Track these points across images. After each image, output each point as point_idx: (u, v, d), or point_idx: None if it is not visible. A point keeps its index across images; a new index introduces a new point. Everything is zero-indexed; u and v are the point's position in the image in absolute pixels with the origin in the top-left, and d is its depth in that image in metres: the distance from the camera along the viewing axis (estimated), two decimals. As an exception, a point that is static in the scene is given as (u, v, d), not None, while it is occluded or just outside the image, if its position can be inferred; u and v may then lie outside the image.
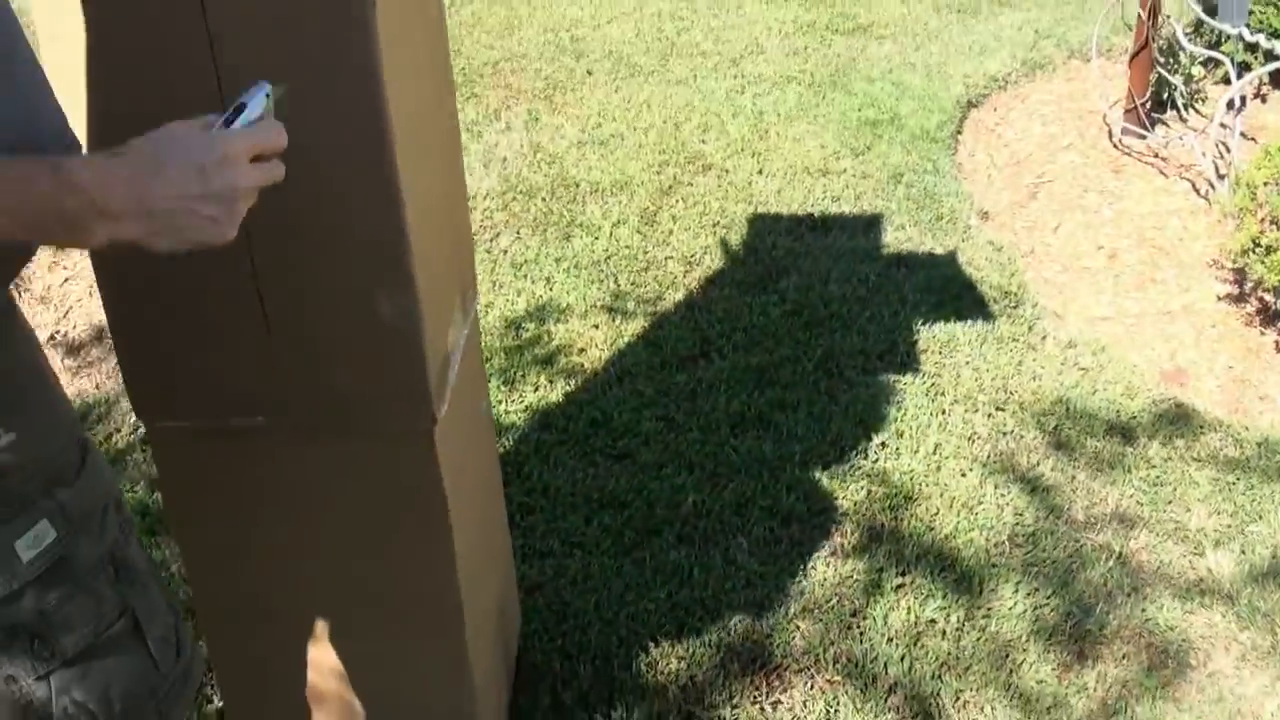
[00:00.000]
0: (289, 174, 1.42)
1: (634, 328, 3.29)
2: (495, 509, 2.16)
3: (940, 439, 2.75)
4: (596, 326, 3.30)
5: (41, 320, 3.47)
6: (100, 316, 3.25)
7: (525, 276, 3.59)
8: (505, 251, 3.75)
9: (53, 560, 1.15)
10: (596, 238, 3.80)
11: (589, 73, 5.30)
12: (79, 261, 3.66)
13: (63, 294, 3.64)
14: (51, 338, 3.39)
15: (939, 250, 3.57)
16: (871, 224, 3.77)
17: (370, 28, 1.36)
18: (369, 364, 1.55)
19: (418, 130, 1.56)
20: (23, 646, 1.15)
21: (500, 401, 2.97)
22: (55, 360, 3.30)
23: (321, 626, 1.82)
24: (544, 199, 4.09)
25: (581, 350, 3.19)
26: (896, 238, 3.68)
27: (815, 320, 3.25)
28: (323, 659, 1.85)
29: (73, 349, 3.33)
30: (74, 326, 3.45)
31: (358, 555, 1.74)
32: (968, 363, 3.01)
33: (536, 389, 3.03)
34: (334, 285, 1.51)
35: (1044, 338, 3.17)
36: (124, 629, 1.23)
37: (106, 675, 1.22)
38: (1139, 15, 4.21)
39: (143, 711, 1.26)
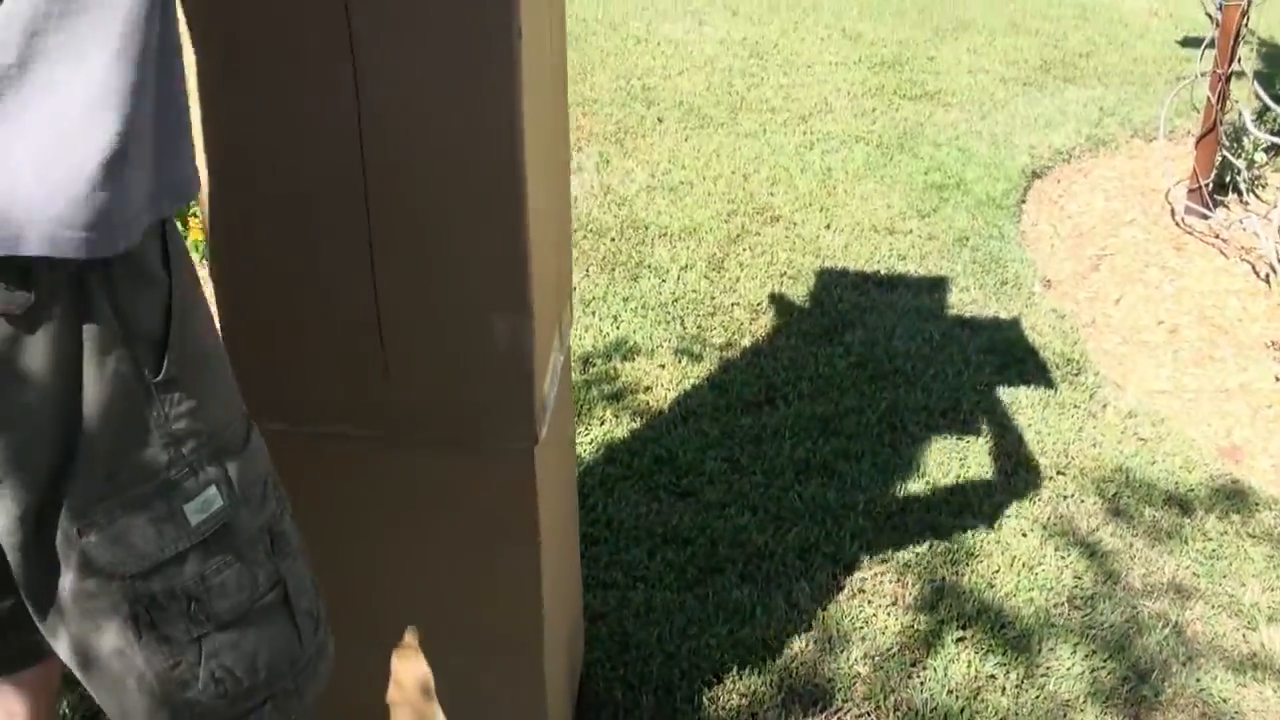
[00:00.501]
0: (418, 189, 1.47)
1: (700, 370, 3.31)
2: (572, 534, 2.18)
3: (1002, 499, 2.75)
4: (663, 366, 3.32)
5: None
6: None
7: (593, 314, 3.62)
8: (574, 288, 3.78)
9: (217, 526, 1.17)
10: (664, 280, 3.83)
11: (659, 120, 5.35)
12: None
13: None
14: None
15: (1003, 314, 3.58)
16: (936, 284, 3.79)
17: (514, 59, 1.40)
18: (480, 380, 1.58)
19: (541, 158, 1.60)
20: (180, 609, 1.17)
21: (569, 432, 3.00)
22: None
23: (409, 636, 1.83)
24: (613, 239, 4.13)
25: (647, 389, 3.21)
26: (961, 299, 3.69)
27: (880, 374, 3.26)
28: (405, 670, 1.86)
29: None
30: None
31: (446, 569, 1.76)
32: (1030, 425, 3.01)
33: (603, 423, 3.05)
34: (452, 301, 1.54)
35: (1104, 406, 3.17)
36: (275, 599, 1.25)
37: (255, 643, 1.24)
38: (1208, 99, 4.24)
39: (283, 681, 1.28)
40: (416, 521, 1.73)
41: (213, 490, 1.16)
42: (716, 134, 5.18)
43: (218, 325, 1.58)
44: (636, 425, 3.04)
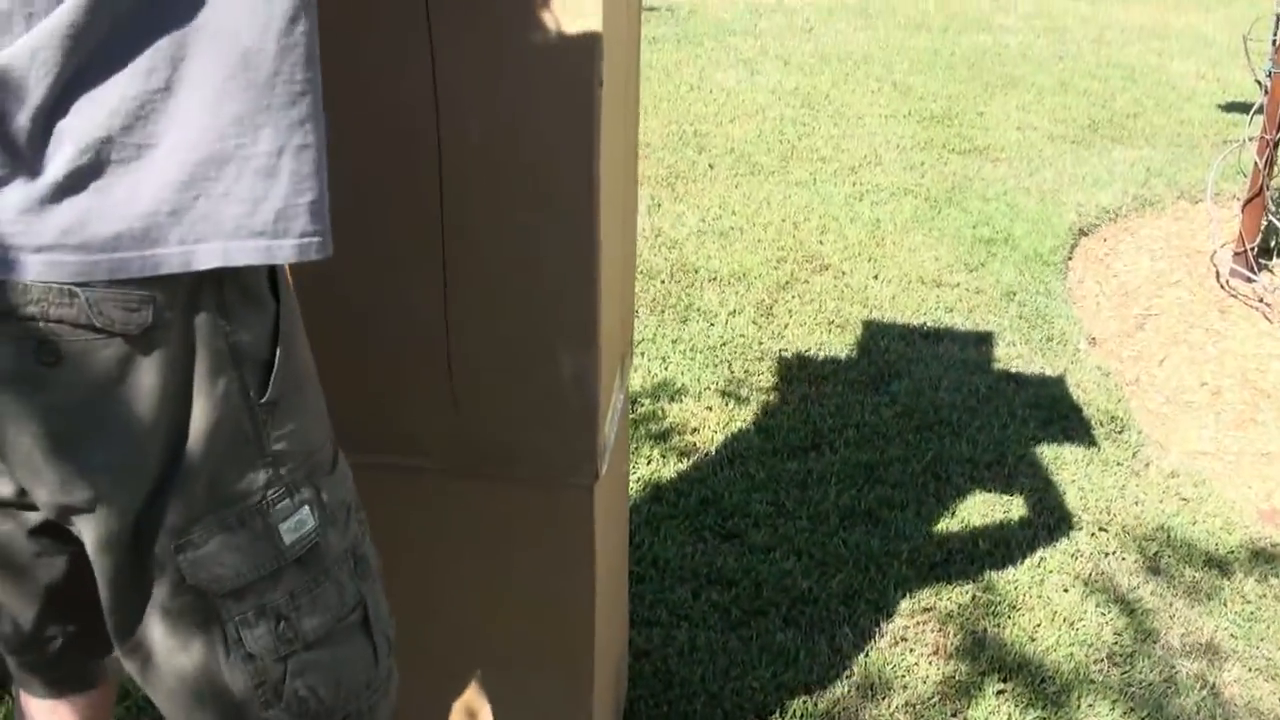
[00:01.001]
0: (495, 225, 1.50)
1: (746, 413, 3.33)
2: (622, 570, 2.20)
3: (1045, 553, 2.75)
4: (710, 409, 3.35)
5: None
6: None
7: (642, 354, 3.66)
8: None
9: (309, 546, 1.19)
10: (713, 324, 3.86)
11: (711, 166, 5.40)
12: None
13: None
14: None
15: (1048, 370, 3.59)
16: (983, 338, 3.80)
17: (594, 107, 1.44)
18: (546, 416, 1.60)
19: (613, 200, 1.63)
20: (269, 627, 1.18)
21: (617, 470, 3.03)
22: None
23: (461, 663, 1.86)
24: (663, 281, 4.17)
25: (694, 430, 3.24)
26: (1007, 353, 3.70)
27: (925, 424, 3.28)
28: (455, 696, 1.89)
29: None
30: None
31: (505, 598, 1.78)
32: (1073, 481, 3.01)
33: (649, 462, 3.08)
34: (521, 337, 1.57)
35: (1147, 465, 3.17)
36: (357, 620, 1.27)
37: (337, 663, 1.25)
38: (1255, 164, 4.24)
39: (358, 701, 1.30)
40: (478, 552, 1.75)
41: (306, 511, 1.19)
42: (767, 182, 5.22)
43: None
44: (683, 466, 3.07)
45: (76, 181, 1.00)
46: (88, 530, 1.14)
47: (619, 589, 2.14)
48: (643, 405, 3.36)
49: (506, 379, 1.60)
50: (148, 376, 1.07)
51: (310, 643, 1.22)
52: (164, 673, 1.20)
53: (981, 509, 2.90)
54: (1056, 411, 3.35)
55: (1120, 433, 3.29)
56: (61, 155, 1.00)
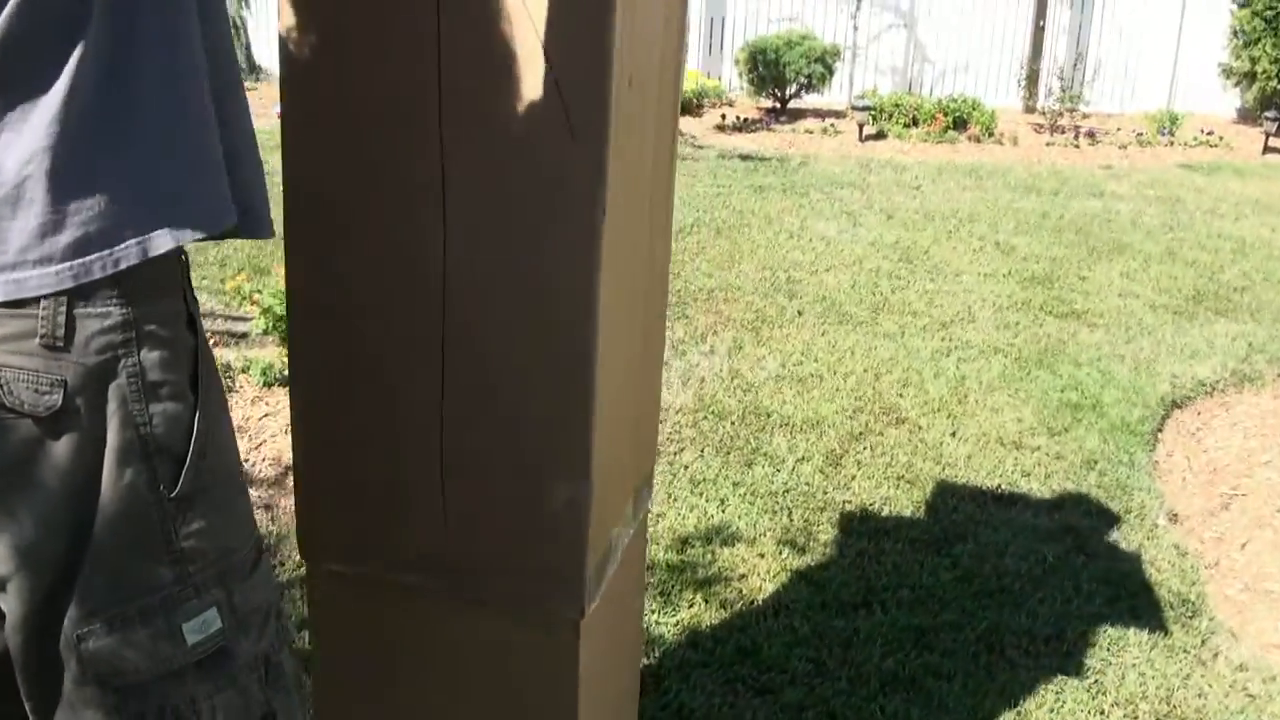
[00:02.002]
0: (494, 346, 1.45)
1: (800, 564, 3.19)
2: (627, 713, 2.08)
3: (1096, 739, 2.55)
4: (762, 556, 3.21)
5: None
6: (288, 456, 3.34)
7: (701, 495, 3.55)
8: (686, 467, 3.71)
9: (215, 648, 1.17)
10: (778, 469, 3.74)
11: (799, 313, 5.33)
12: (281, 401, 3.78)
13: (259, 428, 3.76)
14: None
15: (1122, 544, 3.39)
16: (1057, 505, 3.61)
17: (596, 236, 1.38)
18: (533, 543, 1.54)
19: (622, 332, 1.56)
20: None
21: (653, 612, 2.90)
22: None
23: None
24: (733, 423, 4.07)
25: (743, 576, 3.10)
26: (1081, 524, 3.51)
27: (985, 591, 3.10)
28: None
29: (255, 482, 3.41)
30: (263, 459, 3.54)
31: None
32: (1134, 665, 2.80)
33: (691, 605, 2.95)
34: (514, 460, 1.51)
35: (1216, 655, 2.94)
36: None
37: None
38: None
39: None
40: (461, 675, 1.68)
41: (213, 612, 1.16)
42: (854, 332, 5.12)
43: (297, 456, 1.58)
44: (725, 613, 2.93)
45: None
46: (5, 608, 1.14)
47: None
48: (693, 547, 3.24)
49: (497, 501, 1.54)
50: (56, 459, 1.07)
51: None
52: None
53: (1033, 687, 2.71)
54: (1125, 589, 3.14)
55: (1191, 618, 3.07)
56: None
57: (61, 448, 1.06)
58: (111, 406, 1.07)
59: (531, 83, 1.33)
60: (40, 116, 1.02)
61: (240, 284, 4.59)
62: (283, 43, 1.42)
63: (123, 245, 1.06)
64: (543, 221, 1.39)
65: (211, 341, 4.42)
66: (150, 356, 1.09)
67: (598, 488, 1.51)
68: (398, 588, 1.63)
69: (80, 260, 1.05)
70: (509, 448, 1.51)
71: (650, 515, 3.41)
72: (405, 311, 1.49)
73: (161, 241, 1.09)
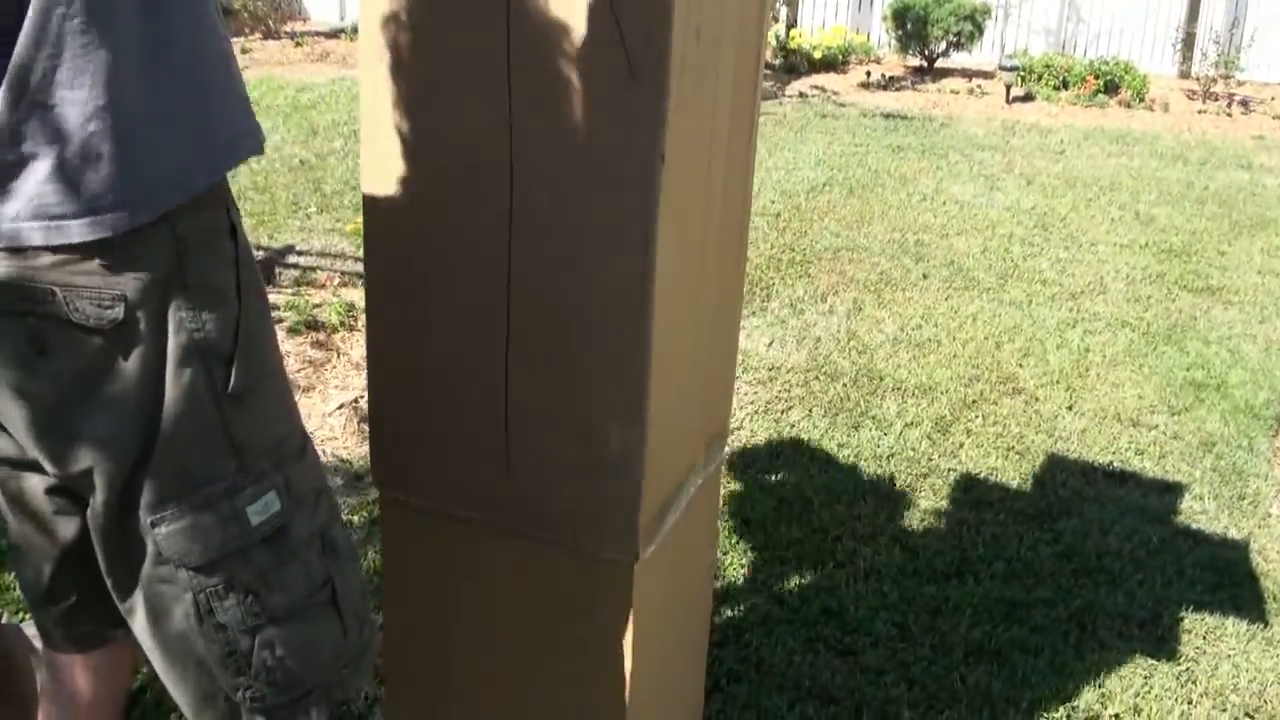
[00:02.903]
0: (557, 292, 1.47)
1: (895, 529, 3.16)
2: (690, 660, 2.09)
3: (1180, 728, 2.48)
4: (859, 518, 3.19)
5: (352, 384, 3.67)
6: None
7: (804, 454, 3.53)
8: (793, 426, 3.70)
9: (276, 527, 1.26)
10: (885, 433, 3.70)
11: (924, 276, 5.24)
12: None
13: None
14: (355, 401, 3.58)
15: (1232, 531, 3.28)
16: (1169, 487, 3.51)
17: (654, 184, 1.38)
18: (590, 486, 1.56)
19: (687, 283, 1.56)
20: (238, 600, 1.26)
21: (741, 567, 2.91)
22: (354, 424, 3.47)
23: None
24: (844, 385, 4.03)
25: (837, 538, 3.09)
26: (1191, 507, 3.40)
27: (1083, 569, 3.03)
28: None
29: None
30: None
31: (540, 660, 1.73)
32: (1229, 656, 2.71)
33: (782, 563, 2.95)
34: (574, 404, 1.53)
35: (1325, 651, 2.84)
36: (325, 598, 1.33)
37: (305, 637, 1.31)
38: None
39: (330, 673, 1.35)
40: (519, 609, 1.72)
41: (272, 495, 1.26)
42: (979, 298, 5.02)
43: (371, 394, 1.64)
44: (814, 573, 2.92)
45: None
46: (90, 496, 1.23)
47: (680, 679, 2.03)
48: (790, 506, 3.23)
49: (557, 445, 1.57)
50: (124, 367, 1.16)
51: (278, 617, 1.29)
52: (150, 635, 1.29)
53: (1121, 669, 2.64)
54: (1229, 577, 3.04)
55: (1298, 610, 2.97)
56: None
57: (127, 356, 1.16)
58: (168, 315, 1.16)
59: (597, 28, 1.34)
60: (95, 75, 1.07)
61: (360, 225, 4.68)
62: None
63: (179, 187, 1.15)
64: (601, 164, 1.40)
65: (339, 282, 4.53)
66: (198, 268, 1.18)
67: (654, 435, 1.52)
68: (457, 519, 1.68)
69: (150, 198, 1.13)
70: (569, 394, 1.53)
71: (748, 471, 3.41)
72: (471, 257, 1.52)
73: (208, 177, 1.19)
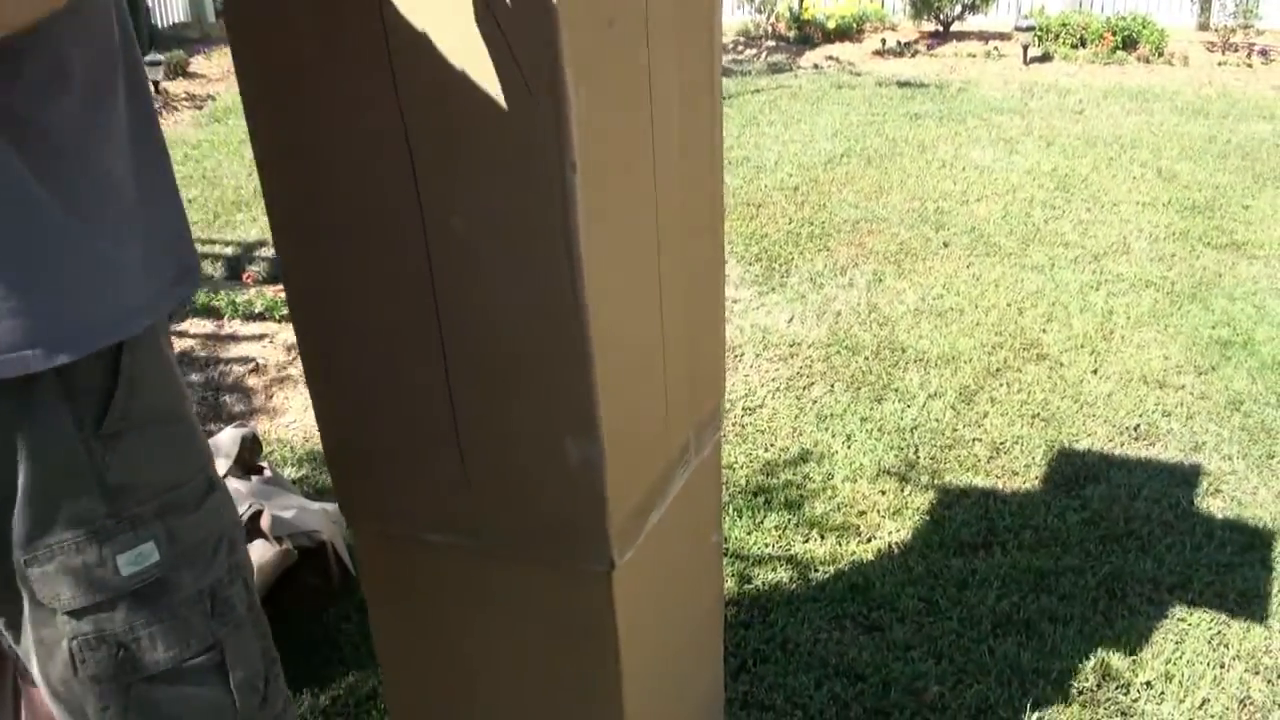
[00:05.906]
0: (487, 315, 1.40)
1: (921, 502, 3.13)
2: (697, 660, 2.06)
3: (1211, 693, 2.44)
4: (883, 492, 3.16)
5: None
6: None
7: (826, 429, 3.50)
8: (815, 401, 3.67)
9: (149, 580, 1.17)
10: (909, 405, 3.67)
11: (945, 244, 5.18)
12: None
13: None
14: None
15: (1262, 491, 3.23)
16: (1198, 447, 3.46)
17: (570, 194, 1.30)
18: (553, 500, 1.52)
19: (634, 286, 1.51)
20: (109, 653, 1.18)
21: (767, 546, 2.88)
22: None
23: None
24: (866, 358, 3.99)
25: (861, 513, 3.06)
26: (1220, 467, 3.35)
27: (1112, 535, 2.99)
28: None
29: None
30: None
31: (534, 674, 1.71)
32: (1261, 620, 2.67)
33: (806, 540, 2.92)
34: (525, 421, 1.48)
35: (1361, 607, 2.79)
36: (208, 663, 1.23)
37: (182, 701, 1.22)
38: None
39: None
40: (505, 629, 1.69)
41: (150, 545, 1.17)
42: (1001, 264, 4.96)
43: (320, 424, 1.59)
44: (840, 549, 2.89)
45: None
46: None
47: (688, 673, 2.00)
48: (813, 481, 3.20)
49: (514, 460, 1.52)
50: None
51: (151, 676, 1.20)
52: (44, 681, 1.22)
53: (1152, 635, 2.61)
54: (1260, 538, 2.99)
55: (1333, 568, 2.92)
56: None
57: None
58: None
59: (488, 47, 1.23)
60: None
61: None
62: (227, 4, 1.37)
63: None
64: (511, 181, 1.31)
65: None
66: None
67: (616, 443, 1.46)
68: (432, 544, 1.64)
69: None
70: (517, 410, 1.47)
71: (771, 449, 3.39)
72: (395, 279, 1.45)
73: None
